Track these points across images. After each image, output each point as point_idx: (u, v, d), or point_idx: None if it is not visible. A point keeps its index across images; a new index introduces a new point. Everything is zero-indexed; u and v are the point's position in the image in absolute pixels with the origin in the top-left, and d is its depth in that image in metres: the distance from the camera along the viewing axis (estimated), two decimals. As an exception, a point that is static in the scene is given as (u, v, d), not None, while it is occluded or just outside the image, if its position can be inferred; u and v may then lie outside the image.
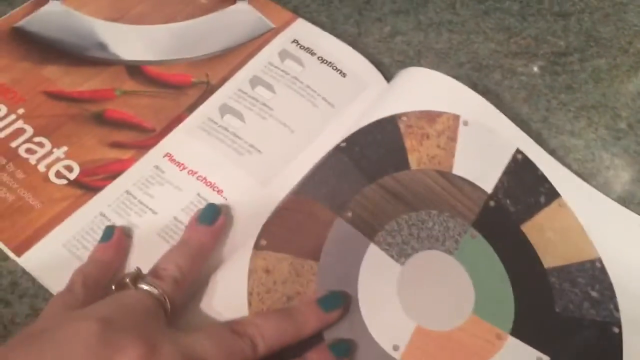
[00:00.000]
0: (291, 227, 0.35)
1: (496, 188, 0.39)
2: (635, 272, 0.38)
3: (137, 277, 0.31)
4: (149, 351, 0.26)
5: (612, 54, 0.49)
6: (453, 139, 0.40)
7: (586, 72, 0.48)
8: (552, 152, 0.43)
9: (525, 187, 0.40)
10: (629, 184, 0.43)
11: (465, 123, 0.40)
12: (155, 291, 0.30)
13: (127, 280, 0.31)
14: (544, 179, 0.40)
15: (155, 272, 0.32)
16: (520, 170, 0.40)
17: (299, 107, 0.42)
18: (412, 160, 0.38)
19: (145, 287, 0.31)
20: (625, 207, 0.41)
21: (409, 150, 0.39)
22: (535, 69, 0.48)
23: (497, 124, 0.41)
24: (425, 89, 0.41)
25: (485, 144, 0.40)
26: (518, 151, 0.40)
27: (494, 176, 0.39)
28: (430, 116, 0.40)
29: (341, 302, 0.33)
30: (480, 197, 0.39)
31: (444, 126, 0.40)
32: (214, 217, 0.36)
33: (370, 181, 0.37)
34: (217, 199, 0.38)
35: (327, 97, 0.42)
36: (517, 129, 0.42)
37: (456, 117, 0.40)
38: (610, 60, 0.49)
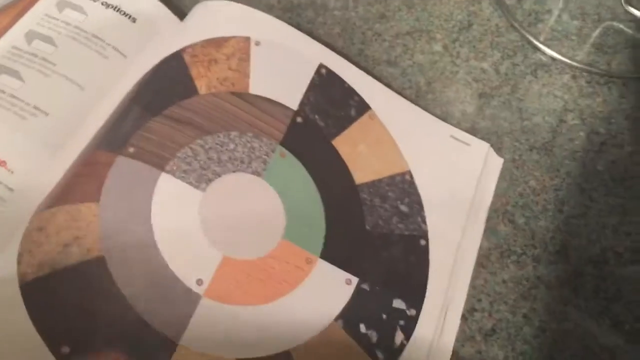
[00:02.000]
0: (69, 182, 0.33)
1: (302, 104, 0.39)
2: (441, 183, 0.39)
3: None
4: None
5: (423, -23, 0.50)
6: (245, 59, 0.39)
7: (399, -1, 0.49)
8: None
9: (333, 101, 0.39)
10: (446, 106, 0.44)
11: (257, 43, 0.39)
12: None
13: None
14: (352, 92, 0.40)
15: None
16: (326, 84, 0.40)
17: (86, 59, 0.39)
18: (201, 86, 0.37)
19: None
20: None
21: (195, 77, 0.37)
22: (349, 2, 0.49)
23: (295, 42, 0.41)
24: (214, 19, 0.40)
25: (283, 62, 0.40)
26: (322, 65, 0.40)
27: (298, 92, 0.39)
28: (218, 42, 0.39)
29: None
30: (285, 114, 0.38)
31: (233, 49, 0.39)
32: None
33: (154, 115, 0.36)
34: (1, 173, 0.35)
35: (117, 46, 0.40)
36: (319, 44, 0.41)
37: (246, 39, 0.39)
38: (421, -16, 0.50)
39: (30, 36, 0.39)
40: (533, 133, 0.43)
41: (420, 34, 0.47)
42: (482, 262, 0.38)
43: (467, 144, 0.40)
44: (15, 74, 0.38)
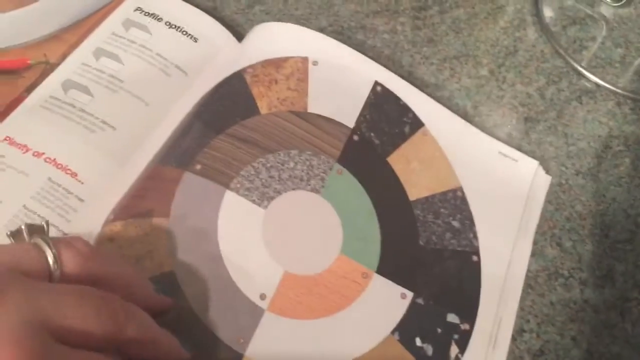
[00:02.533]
0: (138, 195, 0.35)
1: (358, 122, 0.40)
2: (491, 199, 0.40)
3: (38, 229, 0.27)
4: None
5: (470, 3, 0.52)
6: (303, 79, 0.40)
7: (446, 24, 0.50)
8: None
9: (388, 118, 0.41)
10: (492, 129, 0.45)
11: (315, 63, 0.41)
12: (47, 249, 0.25)
13: (23, 227, 0.27)
14: (406, 109, 0.41)
15: (67, 239, 0.27)
16: (382, 101, 0.41)
17: (151, 77, 0.41)
18: (262, 105, 0.39)
19: (38, 241, 0.26)
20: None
21: (256, 96, 0.39)
22: (397, 26, 0.50)
23: (350, 61, 0.42)
24: (271, 40, 0.42)
25: (340, 81, 0.41)
26: (377, 83, 0.42)
27: (355, 110, 0.40)
28: (277, 62, 0.41)
29: None
30: (342, 132, 0.39)
31: (292, 69, 0.41)
32: None
33: (218, 133, 0.37)
34: (71, 184, 0.36)
35: (179, 65, 0.42)
36: (373, 62, 0.43)
37: (304, 59, 0.41)
38: (468, 10, 0.51)
39: (98, 53, 0.41)
40: (579, 158, 0.44)
41: (467, 59, 0.48)
42: (530, 283, 0.39)
43: (515, 160, 0.41)
44: (84, 89, 0.39)
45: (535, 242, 0.40)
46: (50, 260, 0.26)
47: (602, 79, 0.47)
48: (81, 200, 0.35)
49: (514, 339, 0.37)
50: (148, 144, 0.38)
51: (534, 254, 0.40)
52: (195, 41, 0.43)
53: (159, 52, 0.42)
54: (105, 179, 0.36)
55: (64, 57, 0.41)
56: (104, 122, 0.38)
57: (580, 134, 0.45)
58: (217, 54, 0.42)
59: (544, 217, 0.41)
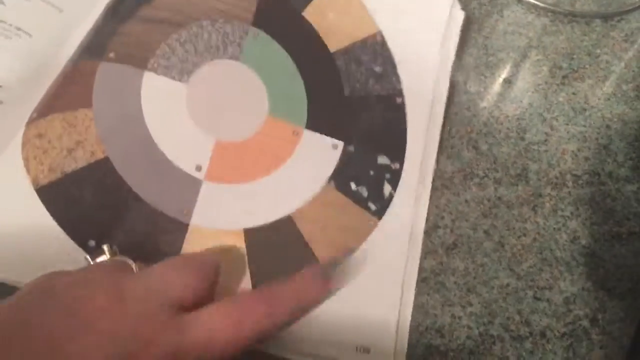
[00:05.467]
0: (57, 93, 0.35)
1: None
2: (410, 39, 0.42)
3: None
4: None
5: None
6: None
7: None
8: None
9: None
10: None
11: None
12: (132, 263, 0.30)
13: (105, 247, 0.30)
14: None
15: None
16: None
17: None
18: None
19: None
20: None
21: None
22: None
23: None
24: None
25: None
26: None
27: None
28: None
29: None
30: None
31: None
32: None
33: (125, 18, 0.38)
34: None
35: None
36: None
37: None
38: None
39: (8, -41, 0.41)
40: (497, 68, 0.45)
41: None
42: (446, 184, 0.40)
43: None
44: (-5, -3, 0.40)
45: (452, 146, 0.42)
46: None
47: (524, -8, 0.48)
48: (0, 102, 0.36)
49: (428, 234, 0.38)
50: (65, 50, 0.39)
51: (450, 157, 0.41)
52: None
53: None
54: (24, 83, 0.37)
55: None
56: (18, 29, 0.39)
57: (500, 46, 0.46)
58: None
59: (462, 123, 0.42)
